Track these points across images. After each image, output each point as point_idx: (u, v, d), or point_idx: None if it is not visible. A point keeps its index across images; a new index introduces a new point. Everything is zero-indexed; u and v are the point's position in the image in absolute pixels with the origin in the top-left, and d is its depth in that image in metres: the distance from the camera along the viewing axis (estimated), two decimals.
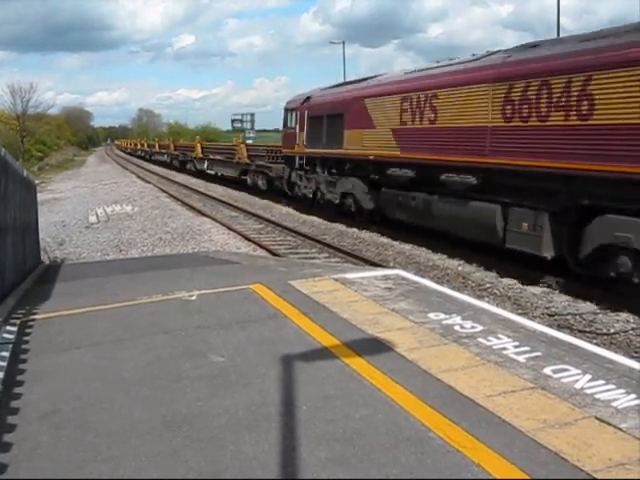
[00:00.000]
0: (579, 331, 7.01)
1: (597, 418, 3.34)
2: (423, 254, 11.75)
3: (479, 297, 7.97)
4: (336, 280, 6.92)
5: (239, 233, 15.07)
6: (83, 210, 22.26)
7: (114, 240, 15.38)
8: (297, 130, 18.17)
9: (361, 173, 14.60)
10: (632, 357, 5.48)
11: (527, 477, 2.77)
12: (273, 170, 21.39)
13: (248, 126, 58.82)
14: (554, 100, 8.42)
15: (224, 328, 5.20)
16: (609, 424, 3.26)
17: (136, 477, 2.88)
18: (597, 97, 7.74)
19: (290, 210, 19.33)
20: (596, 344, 5.62)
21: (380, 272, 7.73)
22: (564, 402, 3.55)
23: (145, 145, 67.07)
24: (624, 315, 7.54)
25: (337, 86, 17.26)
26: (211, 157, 32.58)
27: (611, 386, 3.76)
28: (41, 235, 12.22)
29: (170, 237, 15.16)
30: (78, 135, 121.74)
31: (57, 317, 5.76)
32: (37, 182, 17.64)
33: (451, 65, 11.51)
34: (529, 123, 8.89)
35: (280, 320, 5.40)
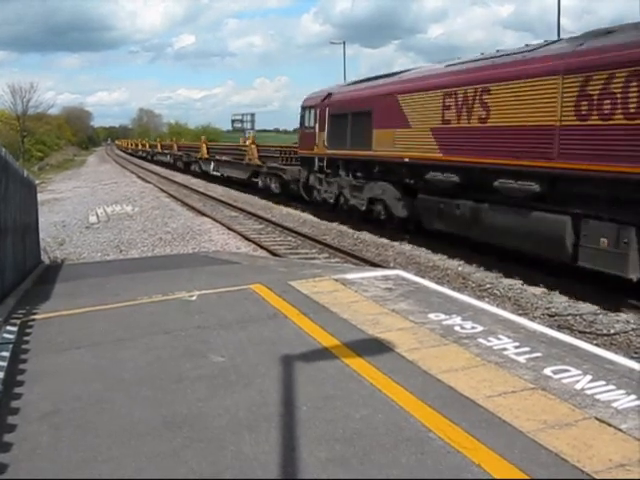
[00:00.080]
0: (579, 332, 7.01)
1: (597, 419, 3.34)
2: (423, 254, 11.75)
3: (479, 297, 7.97)
4: (336, 280, 6.92)
5: (239, 233, 15.07)
6: (83, 210, 22.26)
7: (114, 240, 15.38)
8: (316, 129, 16.72)
9: (393, 177, 13.27)
10: (632, 358, 5.47)
11: (527, 478, 2.77)
12: (288, 172, 19.99)
13: (248, 126, 58.78)
14: None
15: (224, 328, 5.20)
16: (609, 425, 3.26)
17: (136, 477, 2.88)
18: None
19: (290, 210, 19.32)
20: (596, 345, 5.63)
21: (380, 272, 7.73)
22: (564, 403, 3.55)
23: (147, 145, 65.60)
24: (624, 316, 7.54)
25: (362, 81, 15.78)
26: (218, 158, 31.01)
27: (611, 387, 3.76)
28: (41, 235, 12.23)
29: (170, 237, 15.16)
30: (78, 135, 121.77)
31: (57, 317, 5.76)
32: (37, 182, 17.67)
33: (505, 56, 10.10)
34: (613, 121, 7.62)
35: (280, 320, 5.40)
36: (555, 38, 10.87)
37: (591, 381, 3.85)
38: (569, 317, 7.66)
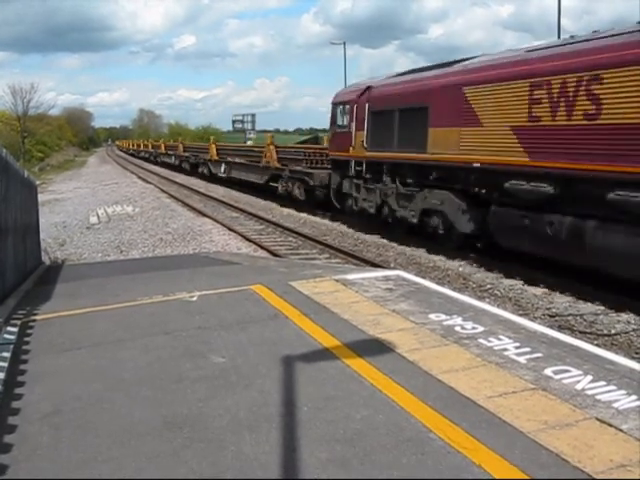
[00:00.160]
0: (580, 332, 7.00)
1: (598, 419, 3.34)
2: (424, 255, 11.75)
3: (480, 298, 7.96)
4: (337, 281, 6.92)
5: (240, 234, 15.07)
6: (84, 211, 22.27)
7: (115, 241, 15.38)
8: (352, 129, 14.62)
9: (455, 185, 11.16)
10: (633, 358, 5.48)
11: (528, 478, 2.77)
12: (315, 177, 17.59)
13: (249, 126, 59.00)
14: None
15: (225, 329, 5.20)
16: (610, 425, 3.26)
17: (136, 477, 2.88)
18: None
19: (291, 211, 19.32)
20: (597, 345, 5.63)
21: (381, 273, 7.73)
22: (565, 403, 3.55)
23: (149, 146, 63.28)
24: (625, 316, 7.54)
25: (410, 72, 13.55)
26: (229, 160, 28.65)
27: (612, 387, 3.76)
28: (42, 236, 12.23)
29: (171, 238, 15.17)
30: (79, 136, 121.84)
31: (58, 318, 5.76)
32: (38, 183, 17.67)
33: (617, 35, 7.99)
34: None
35: (281, 321, 5.40)
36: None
37: (592, 381, 3.85)
38: (570, 317, 7.66)
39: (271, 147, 22.38)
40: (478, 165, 10.15)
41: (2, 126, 67.86)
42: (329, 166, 17.17)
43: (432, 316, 5.41)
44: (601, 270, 8.14)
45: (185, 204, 22.29)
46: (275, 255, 12.09)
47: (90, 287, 7.35)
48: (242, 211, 19.73)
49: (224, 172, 28.72)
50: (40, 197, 15.33)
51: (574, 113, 8.23)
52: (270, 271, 7.92)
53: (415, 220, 12.49)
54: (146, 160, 60.43)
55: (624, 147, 7.47)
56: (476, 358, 4.32)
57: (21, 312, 5.92)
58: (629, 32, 7.80)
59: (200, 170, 34.65)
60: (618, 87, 7.56)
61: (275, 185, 21.56)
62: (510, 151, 9.40)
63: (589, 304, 8.12)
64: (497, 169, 9.76)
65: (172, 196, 25.41)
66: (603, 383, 3.82)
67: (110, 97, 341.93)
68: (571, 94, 8.28)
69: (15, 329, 5.29)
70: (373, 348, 4.57)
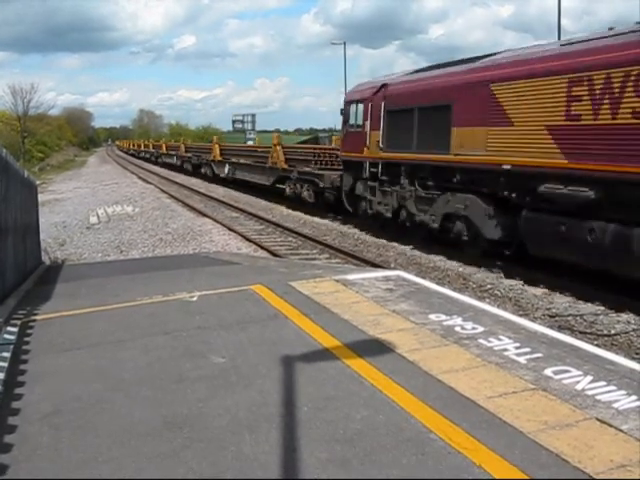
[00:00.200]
0: (580, 332, 7.00)
1: (598, 419, 3.34)
2: (424, 255, 11.75)
3: (480, 298, 7.97)
4: (337, 281, 6.92)
5: (240, 234, 15.07)
6: (84, 211, 22.28)
7: (115, 241, 15.38)
8: (367, 128, 13.96)
9: (481, 188, 10.42)
10: (633, 358, 5.48)
11: (528, 478, 2.77)
12: (325, 179, 16.88)
13: (249, 127, 58.97)
14: None
15: (225, 329, 5.20)
16: (610, 425, 3.26)
17: (136, 477, 2.88)
18: None
19: (291, 211, 19.31)
20: (597, 345, 5.63)
21: (381, 273, 7.73)
22: (565, 403, 3.55)
23: (150, 146, 62.20)
24: (625, 316, 7.54)
25: (429, 69, 12.88)
26: (234, 160, 27.70)
27: (612, 387, 3.76)
28: (42, 236, 12.23)
29: (171, 238, 15.17)
30: (79, 136, 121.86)
31: (58, 318, 5.76)
32: (38, 183, 17.67)
33: None
34: None
35: (281, 321, 5.40)
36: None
37: (592, 382, 3.85)
38: (570, 318, 7.66)
39: (278, 148, 21.49)
40: (508, 167, 9.46)
41: (2, 126, 67.88)
42: (340, 167, 16.47)
43: (432, 316, 5.41)
44: None
45: (185, 204, 22.29)
46: (275, 255, 12.09)
47: (90, 287, 7.35)
48: (242, 211, 19.73)
49: (228, 173, 27.89)
50: (40, 197, 15.34)
51: (620, 111, 7.62)
52: (270, 271, 7.92)
53: (436, 225, 11.74)
54: (147, 160, 60.07)
55: None
56: (476, 358, 4.32)
57: (21, 312, 5.92)
58: None
59: (203, 171, 33.95)
60: None
61: (282, 187, 20.98)
62: (545, 152, 8.71)
63: (589, 304, 8.12)
64: (530, 171, 9.07)
65: (172, 196, 25.42)
66: (603, 383, 3.82)
67: (110, 97, 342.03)
68: (617, 90, 7.66)
69: (15, 329, 5.29)
70: (373, 348, 4.56)
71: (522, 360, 4.26)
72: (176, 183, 32.84)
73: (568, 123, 8.43)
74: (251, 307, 5.90)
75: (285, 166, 20.63)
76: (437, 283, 7.92)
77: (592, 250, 8.09)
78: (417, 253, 11.96)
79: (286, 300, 6.06)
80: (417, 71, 13.31)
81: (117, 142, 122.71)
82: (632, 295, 7.77)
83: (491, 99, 9.83)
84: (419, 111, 11.98)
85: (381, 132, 13.32)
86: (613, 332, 7.09)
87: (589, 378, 3.91)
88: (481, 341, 4.69)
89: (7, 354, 4.59)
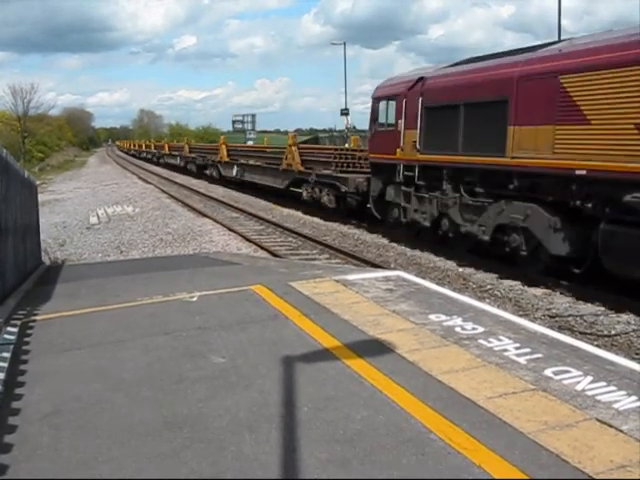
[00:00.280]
0: (580, 333, 7.01)
1: (598, 420, 3.34)
2: (424, 255, 11.75)
3: (480, 299, 7.97)
4: (337, 281, 6.92)
5: (240, 234, 15.08)
6: (84, 211, 22.28)
7: (115, 241, 15.39)
8: (401, 127, 12.58)
9: (546, 196, 9.07)
10: (633, 359, 5.48)
11: (528, 479, 2.77)
12: (349, 183, 15.44)
13: (249, 127, 58.98)
14: None
15: (225, 329, 5.20)
16: (610, 426, 3.26)
17: (136, 478, 2.88)
18: None
19: (291, 212, 19.30)
20: (597, 346, 5.63)
21: (381, 273, 7.73)
22: (565, 404, 3.55)
23: (152, 146, 61.32)
24: (625, 317, 7.54)
25: (477, 60, 11.31)
26: (243, 162, 26.14)
27: (612, 388, 3.76)
28: (42, 236, 12.23)
29: (171, 238, 15.17)
30: (79, 136, 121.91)
31: (58, 318, 5.76)
32: (38, 183, 17.68)
33: None
34: None
35: (281, 321, 5.40)
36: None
37: (592, 382, 3.85)
38: (570, 318, 7.66)
39: (293, 148, 19.82)
40: (583, 172, 8.13)
41: (2, 126, 67.94)
42: (364, 170, 15.32)
43: (432, 317, 5.41)
44: None
45: (185, 204, 22.29)
46: (275, 255, 12.09)
47: (90, 287, 7.35)
48: (242, 211, 19.73)
49: (236, 175, 26.52)
50: (40, 197, 15.34)
51: None
52: (270, 271, 7.92)
53: (487, 237, 10.31)
54: (148, 161, 59.64)
55: None
56: (476, 359, 4.32)
57: (21, 312, 5.92)
58: None
59: (209, 172, 32.46)
60: None
61: (297, 190, 19.57)
62: (634, 156, 7.41)
63: (589, 305, 8.13)
64: (612, 178, 7.73)
65: (172, 196, 25.42)
66: (603, 384, 3.82)
67: (110, 97, 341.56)
68: None
69: (15, 329, 5.29)
70: (373, 349, 4.56)
71: (522, 360, 4.26)
72: (176, 183, 32.85)
73: None
74: (251, 307, 5.90)
75: (301, 168, 19.23)
76: (437, 283, 7.92)
77: None
78: (417, 253, 11.96)
79: (286, 300, 6.06)
80: (459, 63, 11.91)
81: (117, 142, 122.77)
82: (632, 295, 7.78)
83: (560, 93, 8.50)
84: (466, 107, 10.61)
85: (418, 131, 11.96)
86: (613, 332, 7.10)
87: (589, 378, 3.91)
88: (481, 341, 4.69)
89: (7, 354, 4.60)
